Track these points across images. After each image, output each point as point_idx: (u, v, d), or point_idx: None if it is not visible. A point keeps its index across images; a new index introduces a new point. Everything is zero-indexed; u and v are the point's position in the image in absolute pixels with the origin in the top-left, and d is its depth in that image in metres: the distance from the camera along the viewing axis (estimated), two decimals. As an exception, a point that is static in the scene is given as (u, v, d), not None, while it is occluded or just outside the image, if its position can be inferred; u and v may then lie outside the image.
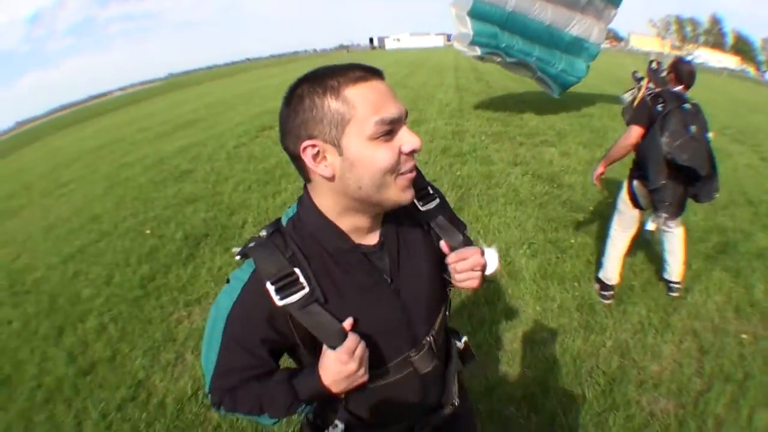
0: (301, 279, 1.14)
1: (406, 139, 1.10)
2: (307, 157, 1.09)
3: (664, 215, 4.18)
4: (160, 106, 31.54)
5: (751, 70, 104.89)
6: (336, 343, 1.13)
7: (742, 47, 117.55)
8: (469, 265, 1.31)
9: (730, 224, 6.99)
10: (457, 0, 11.72)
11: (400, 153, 1.09)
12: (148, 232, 6.81)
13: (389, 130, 1.06)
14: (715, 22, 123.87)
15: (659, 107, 3.94)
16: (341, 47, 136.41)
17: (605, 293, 4.89)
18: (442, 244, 1.36)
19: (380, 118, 1.04)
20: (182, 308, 4.81)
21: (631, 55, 59.33)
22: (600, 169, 4.61)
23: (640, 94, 4.67)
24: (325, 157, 1.09)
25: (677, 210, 4.27)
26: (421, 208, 1.37)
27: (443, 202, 1.47)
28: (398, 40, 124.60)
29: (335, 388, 1.19)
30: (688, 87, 4.28)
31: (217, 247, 6.03)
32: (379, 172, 1.07)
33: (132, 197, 8.83)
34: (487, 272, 1.38)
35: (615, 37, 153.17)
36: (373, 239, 1.27)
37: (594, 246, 5.99)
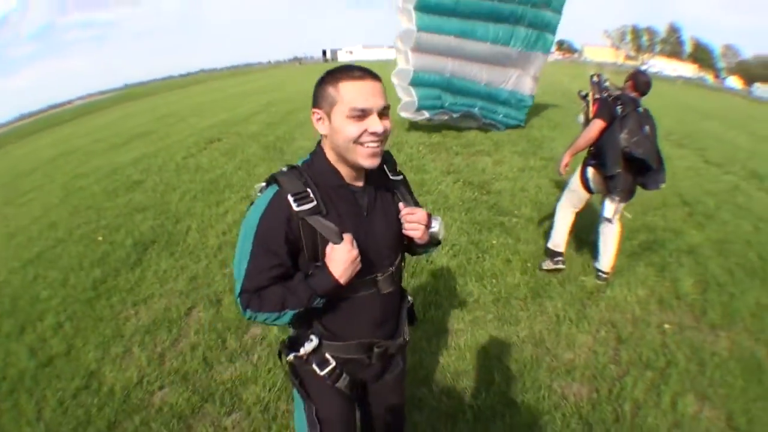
0: (311, 195, 1.71)
1: (372, 123, 1.67)
2: (313, 118, 1.75)
3: (617, 199, 5.14)
4: (114, 116, 33.09)
5: (709, 77, 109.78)
6: (337, 239, 1.69)
7: (701, 55, 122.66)
8: (416, 218, 1.93)
9: (661, 223, 7.61)
10: (398, 72, 12.81)
11: (366, 131, 1.66)
12: (100, 238, 7.47)
13: (360, 115, 1.64)
14: (673, 30, 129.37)
15: (618, 108, 4.85)
16: (295, 59, 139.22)
17: (556, 259, 5.76)
18: (400, 204, 1.98)
19: (353, 107, 1.63)
20: (130, 307, 5.41)
21: (582, 66, 61.49)
22: (566, 159, 5.44)
23: (592, 106, 5.62)
24: (322, 122, 1.74)
25: (627, 195, 5.21)
26: (391, 177, 2.01)
27: (406, 181, 2.13)
28: (351, 52, 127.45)
29: (341, 275, 1.70)
30: (642, 95, 5.14)
31: (163, 252, 6.69)
32: (347, 140, 1.67)
33: (86, 206, 9.51)
34: (432, 230, 2.00)
35: (569, 48, 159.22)
36: (359, 184, 1.86)
37: (514, 246, 6.53)
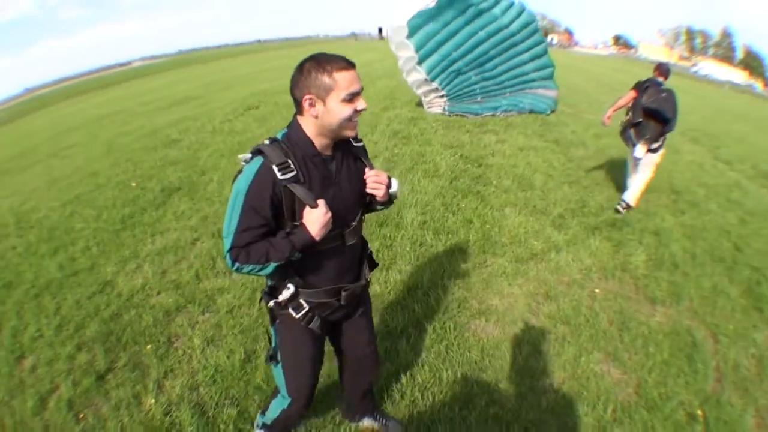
0: (292, 166, 1.98)
1: (359, 104, 2.00)
2: (305, 102, 1.96)
3: (643, 141, 6.82)
4: (164, 81, 34.77)
5: (759, 85, 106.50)
6: (313, 204, 1.98)
7: (751, 62, 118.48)
8: (380, 179, 2.25)
9: (641, 206, 7.71)
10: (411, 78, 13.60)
11: (355, 110, 2.00)
12: (133, 184, 8.35)
13: (351, 98, 1.96)
14: (726, 35, 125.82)
15: (645, 85, 6.96)
16: (352, 35, 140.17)
17: (620, 206, 7.36)
18: (366, 168, 2.29)
19: (348, 93, 1.94)
20: (149, 237, 6.30)
21: (635, 64, 60.65)
22: (609, 113, 7.61)
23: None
24: (314, 105, 1.97)
25: (651, 141, 6.84)
26: (355, 144, 2.30)
27: (364, 147, 2.39)
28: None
29: (317, 234, 2.02)
30: (665, 78, 7.09)
31: (185, 197, 7.57)
32: (343, 119, 1.99)
33: (125, 159, 10.40)
34: (391, 190, 2.33)
35: (626, 44, 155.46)
36: (328, 153, 2.15)
37: (480, 210, 7.03)
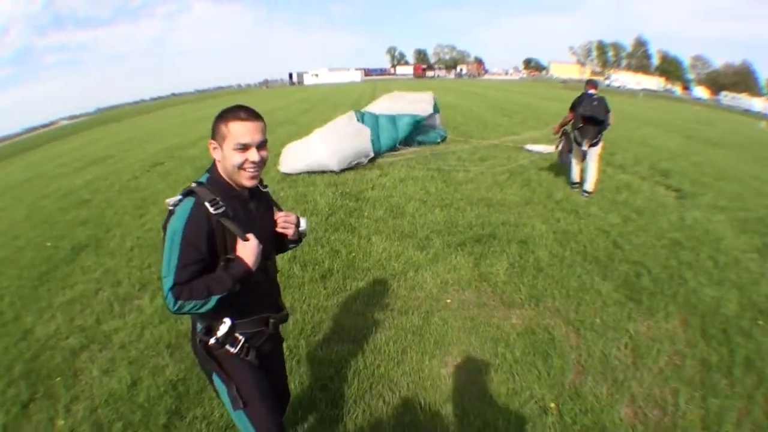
0: (221, 203, 2.28)
1: (251, 155, 2.33)
2: (210, 147, 2.39)
3: (586, 141, 9.91)
4: (82, 142, 37.25)
5: (677, 89, 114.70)
6: (244, 236, 2.32)
7: (668, 68, 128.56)
8: (290, 220, 2.73)
9: (511, 218, 8.59)
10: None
11: (247, 160, 2.33)
12: (48, 244, 9.22)
13: (243, 148, 2.30)
14: (640, 44, 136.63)
15: (580, 99, 9.92)
16: (264, 82, 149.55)
17: (575, 186, 10.66)
18: (276, 211, 2.75)
19: (237, 142, 2.28)
20: (61, 290, 7.04)
21: (544, 84, 64.41)
22: (556, 129, 11.15)
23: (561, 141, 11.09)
24: (216, 150, 2.38)
25: (592, 139, 9.89)
26: (263, 190, 2.69)
27: (269, 192, 2.79)
28: (317, 75, 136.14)
29: (253, 264, 2.34)
30: (596, 88, 10.26)
31: (91, 254, 8.43)
32: (233, 165, 2.32)
33: (42, 221, 11.31)
34: (300, 228, 2.78)
35: (537, 66, 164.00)
36: (246, 193, 2.50)
37: (349, 239, 7.92)
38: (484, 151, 14.93)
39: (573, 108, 10.18)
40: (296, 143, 13.63)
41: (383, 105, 16.55)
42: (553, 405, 4.10)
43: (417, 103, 16.18)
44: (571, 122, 10.34)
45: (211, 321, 2.48)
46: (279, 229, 2.71)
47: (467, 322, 5.37)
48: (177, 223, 2.24)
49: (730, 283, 6.32)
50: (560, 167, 11.77)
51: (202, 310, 2.24)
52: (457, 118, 24.34)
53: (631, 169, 12.89)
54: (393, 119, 14.62)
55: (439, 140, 16.09)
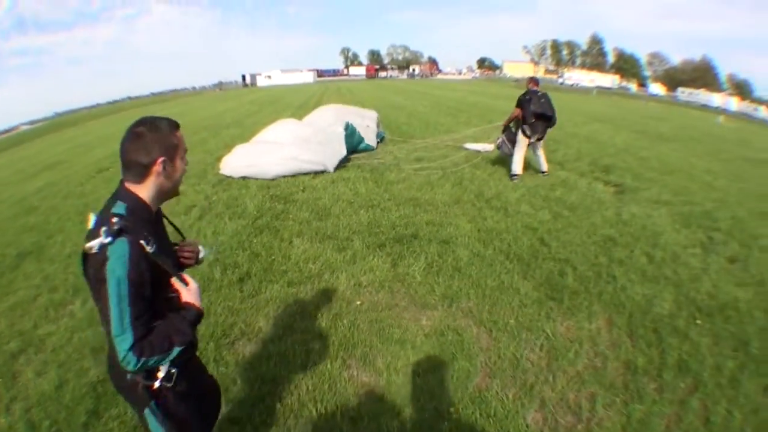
0: (150, 239, 2.08)
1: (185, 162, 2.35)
2: (159, 165, 2.16)
3: (537, 136, 10.94)
4: (39, 147, 37.40)
5: (633, 86, 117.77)
6: (173, 271, 2.22)
7: (623, 65, 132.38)
8: (191, 252, 2.65)
9: (436, 218, 8.54)
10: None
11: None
12: None
13: (184, 155, 2.32)
14: (596, 42, 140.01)
15: (526, 97, 10.79)
16: (219, 84, 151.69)
17: (515, 177, 11.25)
18: (181, 243, 2.68)
19: (185, 150, 2.31)
20: (3, 297, 7.03)
21: (496, 84, 65.54)
22: (504, 122, 11.86)
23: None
24: (166, 166, 2.20)
25: (542, 134, 10.99)
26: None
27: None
28: (269, 77, 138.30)
29: (200, 304, 2.29)
30: (538, 84, 11.21)
31: (33, 260, 8.44)
32: (182, 174, 2.33)
33: None
34: (200, 257, 2.69)
35: (490, 66, 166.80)
36: (153, 217, 2.33)
37: (270, 242, 7.86)
38: (422, 151, 14.94)
39: (520, 105, 10.93)
40: (245, 146, 13.56)
41: (332, 117, 16.02)
42: (452, 410, 3.99)
43: (365, 122, 16.37)
44: (516, 119, 11.20)
45: (149, 371, 2.29)
46: (182, 261, 2.61)
47: (374, 325, 5.32)
48: (119, 271, 1.99)
49: (665, 281, 6.22)
50: (495, 165, 12.08)
51: (165, 361, 2.14)
52: (400, 118, 24.50)
53: (570, 166, 12.91)
54: (353, 131, 14.75)
55: (374, 146, 15.95)
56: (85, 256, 2.06)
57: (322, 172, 12.12)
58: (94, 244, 2.00)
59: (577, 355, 4.70)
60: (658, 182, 11.44)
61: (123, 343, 1.99)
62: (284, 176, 11.98)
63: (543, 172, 11.57)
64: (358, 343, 4.98)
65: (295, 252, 7.33)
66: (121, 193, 2.20)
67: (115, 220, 2.04)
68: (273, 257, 7.21)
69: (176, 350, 2.12)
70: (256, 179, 11.94)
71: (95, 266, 2.01)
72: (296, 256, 7.19)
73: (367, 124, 16.28)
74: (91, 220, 2.16)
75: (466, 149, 14.80)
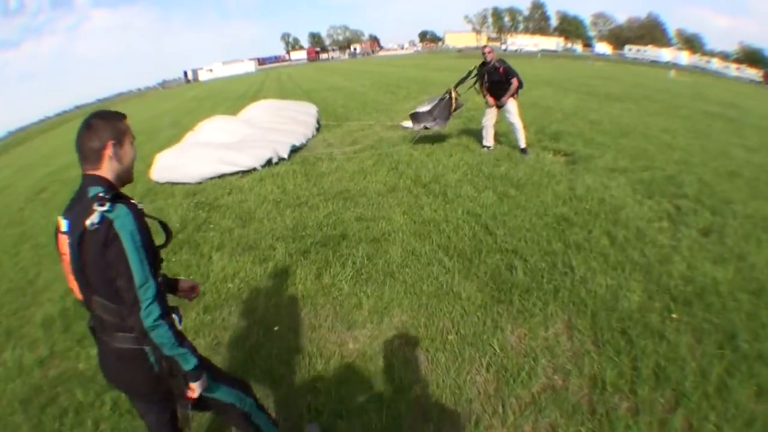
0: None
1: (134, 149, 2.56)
2: (109, 149, 2.34)
3: (500, 103, 10.64)
4: None
5: (578, 47, 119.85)
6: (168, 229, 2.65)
7: (567, 27, 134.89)
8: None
9: (368, 213, 7.86)
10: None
11: None
12: None
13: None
14: (537, 7, 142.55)
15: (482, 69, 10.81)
16: (162, 83, 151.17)
17: (487, 148, 11.18)
18: None
19: (132, 136, 2.50)
20: None
21: (439, 56, 65.92)
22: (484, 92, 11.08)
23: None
24: (116, 149, 2.37)
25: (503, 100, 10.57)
26: None
27: None
28: (211, 70, 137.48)
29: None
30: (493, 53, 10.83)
31: None
32: (132, 159, 2.50)
33: None
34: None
35: (432, 38, 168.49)
36: None
37: (189, 259, 7.20)
38: (357, 134, 14.30)
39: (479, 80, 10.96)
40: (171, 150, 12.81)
41: (267, 117, 15.65)
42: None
43: (301, 121, 15.55)
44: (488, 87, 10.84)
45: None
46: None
47: (293, 356, 4.55)
48: (130, 226, 2.19)
49: (631, 266, 5.51)
50: (433, 144, 11.55)
51: (166, 349, 2.25)
52: (338, 100, 23.94)
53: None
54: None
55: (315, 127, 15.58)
56: (81, 237, 2.15)
57: (252, 171, 11.33)
58: (93, 219, 2.12)
59: (532, 374, 3.98)
60: (612, 147, 10.90)
61: (147, 291, 2.17)
62: (210, 178, 11.19)
63: (522, 149, 10.73)
64: (277, 379, 4.24)
65: (215, 269, 6.58)
66: (89, 181, 2.32)
67: (102, 194, 2.20)
68: (192, 276, 6.42)
69: (189, 352, 2.34)
70: (184, 184, 11.19)
71: (98, 236, 2.13)
72: (215, 274, 6.43)
73: (305, 118, 15.72)
74: (62, 221, 2.30)
75: (404, 128, 14.06)
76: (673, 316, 4.54)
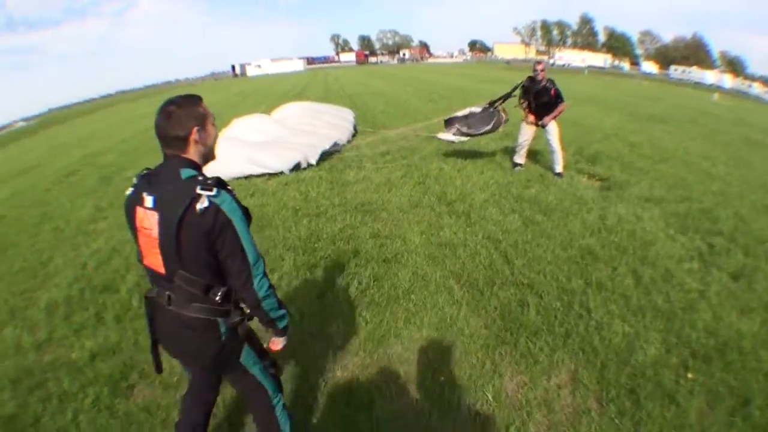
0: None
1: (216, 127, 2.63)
2: (194, 134, 2.38)
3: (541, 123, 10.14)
4: (22, 148, 34.95)
5: (626, 64, 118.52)
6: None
7: (615, 44, 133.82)
8: None
9: (381, 229, 7.54)
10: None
11: None
12: None
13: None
14: (586, 22, 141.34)
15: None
16: (212, 75, 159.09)
17: (519, 166, 10.74)
18: None
19: (213, 116, 2.53)
20: None
21: (488, 66, 65.65)
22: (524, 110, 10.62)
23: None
24: (200, 133, 2.42)
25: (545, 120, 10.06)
26: None
27: None
28: (259, 66, 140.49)
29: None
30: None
31: None
32: (214, 139, 2.55)
33: None
34: None
35: (482, 48, 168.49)
36: None
37: None
38: (391, 143, 13.94)
39: (523, 97, 10.42)
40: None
41: (303, 120, 15.46)
42: None
43: (336, 125, 15.30)
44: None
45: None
46: None
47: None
48: (239, 211, 2.35)
49: (653, 312, 4.97)
50: (465, 159, 11.19)
51: (272, 313, 2.59)
52: (378, 106, 23.64)
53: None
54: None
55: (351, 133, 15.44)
56: (182, 218, 2.21)
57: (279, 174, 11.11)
58: (203, 203, 2.22)
59: (522, 431, 3.57)
60: (650, 173, 10.35)
61: (259, 267, 2.44)
62: (236, 178, 10.98)
63: (557, 174, 10.22)
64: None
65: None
66: (178, 162, 2.38)
67: (201, 178, 2.31)
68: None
69: (284, 312, 2.67)
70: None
71: (205, 220, 2.23)
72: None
73: (340, 123, 15.51)
74: (147, 197, 2.33)
75: (439, 140, 13.69)
76: (689, 375, 4.04)
